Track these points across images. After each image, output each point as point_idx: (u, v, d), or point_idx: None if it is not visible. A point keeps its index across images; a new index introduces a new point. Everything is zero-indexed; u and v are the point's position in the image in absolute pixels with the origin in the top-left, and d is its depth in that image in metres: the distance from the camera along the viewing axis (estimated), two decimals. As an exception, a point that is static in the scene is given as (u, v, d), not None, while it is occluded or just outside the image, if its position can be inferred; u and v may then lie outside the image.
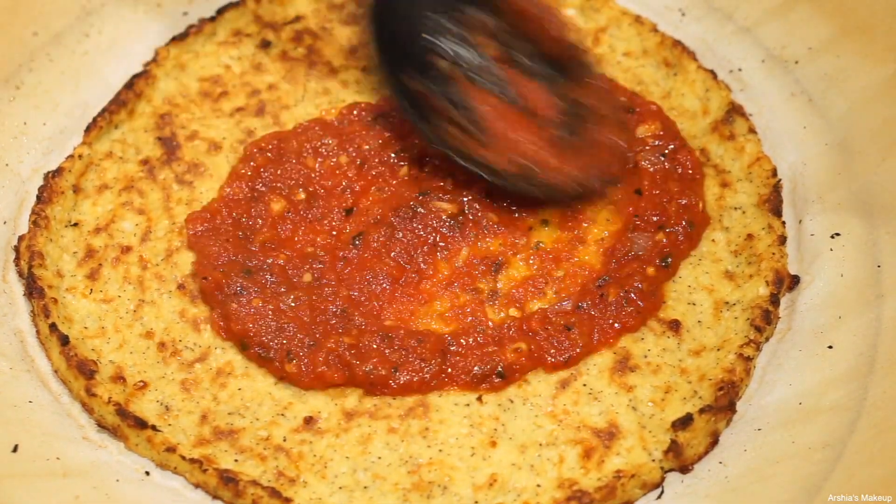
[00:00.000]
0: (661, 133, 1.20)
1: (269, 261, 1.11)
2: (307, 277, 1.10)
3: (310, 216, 1.15)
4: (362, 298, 1.09)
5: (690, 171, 1.17)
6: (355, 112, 1.22)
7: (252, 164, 1.17)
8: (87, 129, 1.21)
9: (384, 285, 1.10)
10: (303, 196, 1.15)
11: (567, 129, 1.11)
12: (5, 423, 0.99)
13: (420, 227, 1.13)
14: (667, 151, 1.18)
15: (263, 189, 1.16)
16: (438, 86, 1.12)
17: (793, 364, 1.05)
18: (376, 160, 1.18)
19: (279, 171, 1.17)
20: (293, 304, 1.07)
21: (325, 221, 1.15)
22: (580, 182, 1.12)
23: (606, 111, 1.13)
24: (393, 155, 1.19)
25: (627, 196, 1.15)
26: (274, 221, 1.14)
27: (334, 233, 1.14)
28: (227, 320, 1.07)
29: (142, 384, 1.05)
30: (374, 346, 1.04)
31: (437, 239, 1.12)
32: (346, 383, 1.04)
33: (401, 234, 1.12)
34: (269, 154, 1.18)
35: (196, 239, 1.13)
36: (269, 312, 1.07)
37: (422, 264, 1.11)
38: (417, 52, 1.14)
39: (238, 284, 1.08)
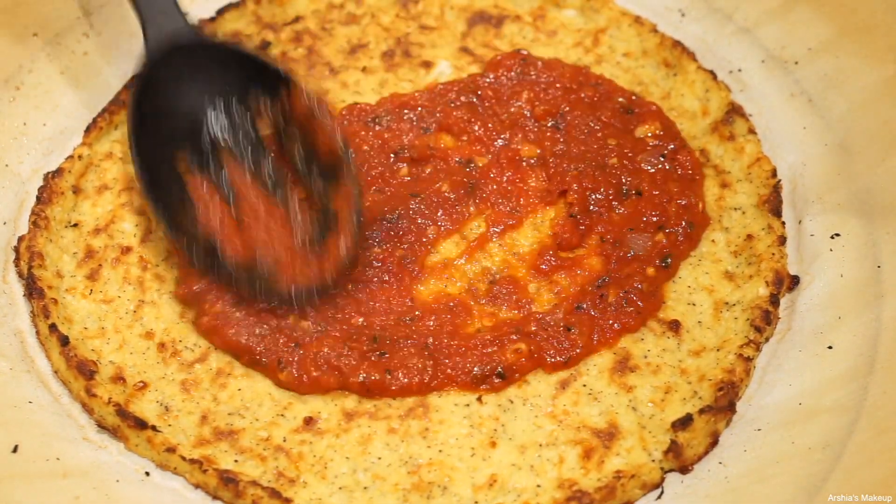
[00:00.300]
0: (661, 133, 1.20)
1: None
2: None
3: None
4: (359, 295, 1.09)
5: (690, 172, 1.17)
6: (355, 113, 1.22)
7: None
8: (87, 130, 1.21)
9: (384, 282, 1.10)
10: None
11: (313, 234, 1.08)
12: (5, 424, 0.99)
13: (417, 227, 1.13)
14: (666, 152, 1.18)
15: None
16: (204, 167, 1.10)
17: (793, 364, 1.05)
18: (375, 161, 1.18)
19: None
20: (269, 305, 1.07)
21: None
22: (305, 285, 1.06)
23: (346, 219, 1.08)
24: (392, 156, 1.19)
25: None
26: None
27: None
28: (214, 334, 1.07)
29: (142, 385, 1.05)
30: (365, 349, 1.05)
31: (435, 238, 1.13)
32: (342, 387, 1.04)
33: (401, 232, 1.12)
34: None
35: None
36: (251, 321, 1.06)
37: (417, 265, 1.11)
38: (186, 129, 1.11)
39: (213, 292, 1.08)
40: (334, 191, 1.10)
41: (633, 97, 1.23)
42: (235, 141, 1.11)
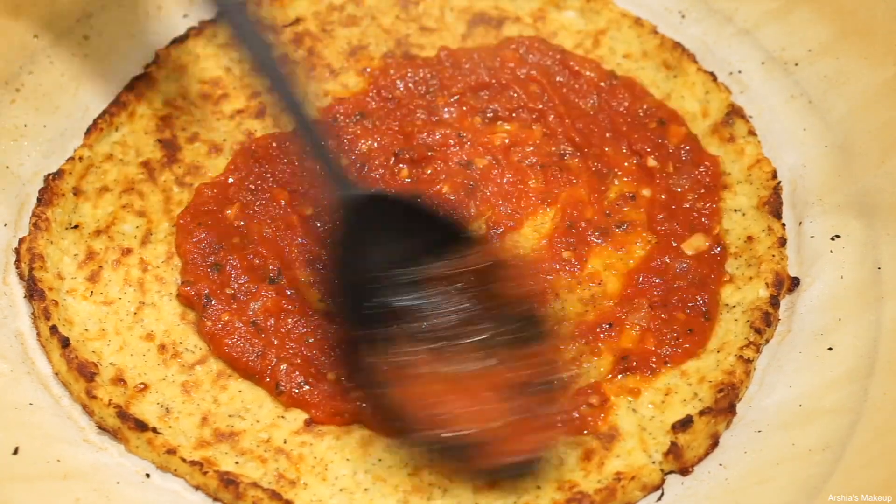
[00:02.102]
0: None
1: (250, 256, 1.10)
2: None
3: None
4: None
5: (709, 181, 1.17)
6: (356, 114, 1.23)
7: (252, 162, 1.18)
8: (88, 132, 1.21)
9: None
10: (311, 212, 1.15)
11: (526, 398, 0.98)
12: (6, 426, 0.99)
13: None
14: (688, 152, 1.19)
15: (265, 186, 1.16)
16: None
17: (793, 366, 1.05)
18: (376, 162, 1.19)
19: (278, 172, 1.17)
20: (259, 305, 1.07)
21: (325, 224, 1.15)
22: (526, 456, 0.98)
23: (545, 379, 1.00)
24: (393, 157, 1.19)
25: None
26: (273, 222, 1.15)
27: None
28: (212, 342, 1.07)
29: (142, 386, 1.05)
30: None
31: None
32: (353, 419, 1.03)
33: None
34: (272, 154, 1.18)
35: (182, 237, 1.13)
36: (243, 329, 1.06)
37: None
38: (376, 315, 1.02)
39: (207, 293, 1.08)
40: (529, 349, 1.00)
41: (661, 105, 1.24)
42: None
